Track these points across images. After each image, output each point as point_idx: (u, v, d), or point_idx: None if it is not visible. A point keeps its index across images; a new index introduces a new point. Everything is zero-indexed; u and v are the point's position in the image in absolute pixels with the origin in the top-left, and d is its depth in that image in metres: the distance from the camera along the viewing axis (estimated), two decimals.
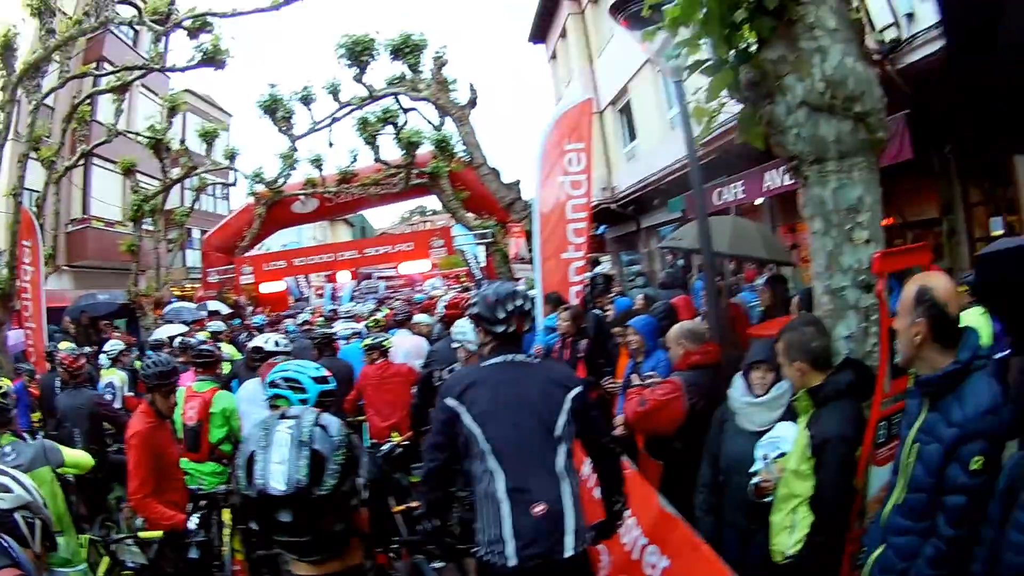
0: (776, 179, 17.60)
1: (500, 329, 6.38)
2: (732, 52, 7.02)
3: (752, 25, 6.68)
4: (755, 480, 6.35)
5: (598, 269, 24.67)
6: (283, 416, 3.23)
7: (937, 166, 16.37)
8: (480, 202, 35.82)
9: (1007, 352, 10.54)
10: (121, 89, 28.98)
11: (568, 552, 5.69)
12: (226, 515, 9.96)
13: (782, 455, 6.22)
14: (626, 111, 36.17)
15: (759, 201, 21.72)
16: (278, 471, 3.01)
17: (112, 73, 27.94)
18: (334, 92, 31.05)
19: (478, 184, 31.72)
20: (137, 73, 28.54)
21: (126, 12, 26.80)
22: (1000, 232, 15.30)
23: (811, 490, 5.72)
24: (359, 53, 28.28)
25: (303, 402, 6.96)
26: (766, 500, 6.25)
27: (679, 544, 6.76)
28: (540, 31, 47.61)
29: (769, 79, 6.73)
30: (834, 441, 5.68)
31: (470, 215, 35.36)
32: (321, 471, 3.05)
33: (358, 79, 29.13)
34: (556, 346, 13.51)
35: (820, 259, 6.75)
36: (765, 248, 15.35)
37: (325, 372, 7.91)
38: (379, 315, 21.44)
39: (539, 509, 5.74)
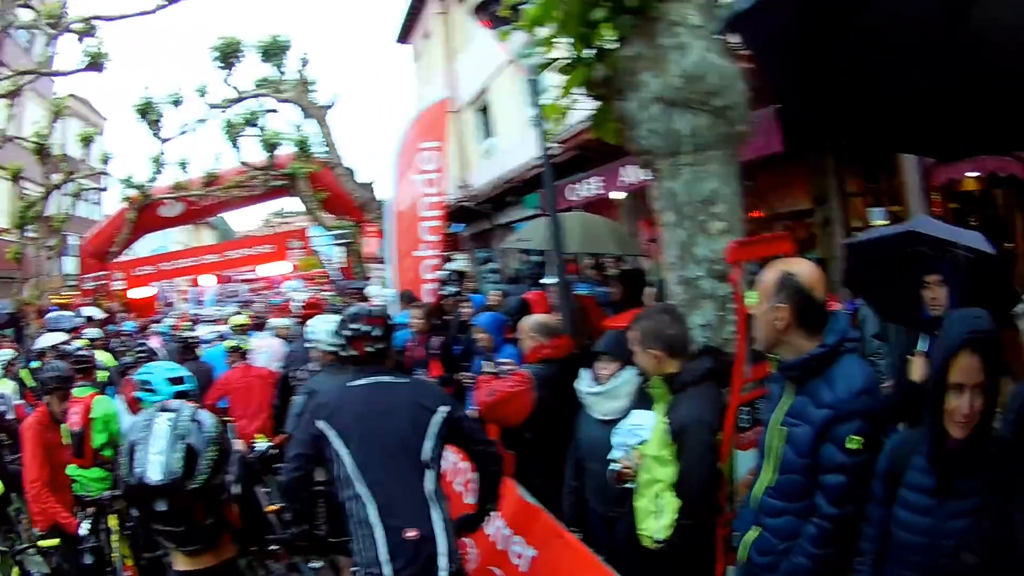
0: (633, 174, 17.59)
1: (343, 353, 6.58)
2: (589, 50, 6.98)
3: (612, 23, 6.63)
4: (614, 467, 6.28)
5: (451, 266, 24.68)
6: (163, 409, 3.24)
7: (811, 158, 16.44)
8: (338, 203, 35.48)
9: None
10: (14, 94, 28.31)
11: (443, 574, 5.65)
12: (112, 521, 9.72)
13: (642, 442, 6.15)
14: (484, 110, 36.01)
15: (618, 196, 21.54)
16: (156, 462, 3.02)
17: (9, 78, 27.42)
18: (203, 94, 30.78)
19: (336, 184, 31.77)
20: (28, 78, 28.01)
21: (25, 15, 26.37)
22: (883, 222, 15.39)
23: (674, 475, 5.68)
24: (229, 55, 28.10)
25: None
26: (628, 486, 6.16)
27: (543, 533, 6.77)
28: (406, 32, 47.25)
29: (623, 75, 6.72)
30: (693, 426, 5.65)
31: (328, 216, 35.16)
32: (194, 464, 3.06)
33: (227, 81, 28.89)
34: (409, 344, 13.35)
35: (673, 250, 6.80)
36: (616, 243, 15.39)
37: (181, 373, 7.74)
38: (240, 318, 21.10)
39: (411, 534, 5.65)
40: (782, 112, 12.13)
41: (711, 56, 6.59)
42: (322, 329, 9.40)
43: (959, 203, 14.73)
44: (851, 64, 6.54)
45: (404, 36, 47.84)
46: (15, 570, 9.21)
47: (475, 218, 38.03)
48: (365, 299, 16.27)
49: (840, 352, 4.74)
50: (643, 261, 17.71)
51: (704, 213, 6.59)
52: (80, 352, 13.03)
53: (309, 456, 6.09)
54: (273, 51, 28.60)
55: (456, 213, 34.90)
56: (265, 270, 45.68)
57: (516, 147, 28.92)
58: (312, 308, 12.74)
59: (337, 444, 5.86)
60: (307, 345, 10.43)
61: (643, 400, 6.60)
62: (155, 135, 32.92)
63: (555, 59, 7.28)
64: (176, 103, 32.09)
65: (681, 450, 5.65)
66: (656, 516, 5.75)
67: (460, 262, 29.23)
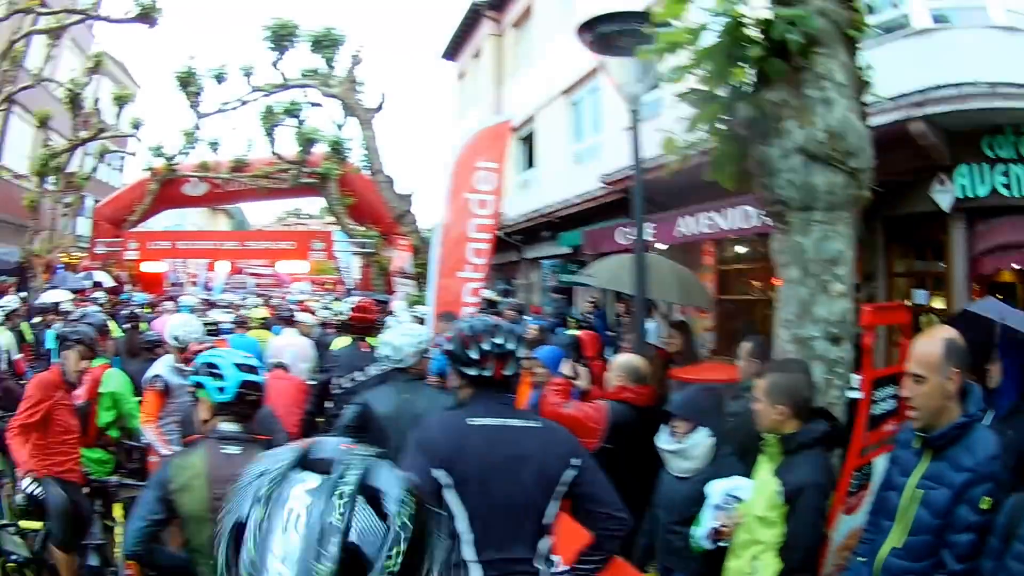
0: (691, 226, 17.67)
1: (473, 372, 5.30)
2: (725, 88, 6.98)
3: (764, 64, 6.61)
4: (713, 524, 6.16)
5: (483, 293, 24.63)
6: (305, 462, 1.96)
7: (865, 233, 16.45)
8: (365, 210, 35.93)
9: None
10: (57, 32, 28.50)
11: None
12: (118, 510, 9.45)
13: (738, 501, 6.10)
14: (528, 140, 35.77)
15: (661, 247, 21.42)
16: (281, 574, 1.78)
17: (54, 13, 27.44)
18: (248, 75, 30.87)
19: (366, 192, 32.58)
20: (76, 18, 28.08)
21: None
22: (921, 304, 15.43)
23: (777, 537, 5.62)
24: (283, 37, 28.08)
25: (220, 390, 5.59)
26: (722, 545, 6.08)
27: None
28: (454, 48, 46.79)
29: (768, 120, 6.70)
30: (809, 489, 5.60)
31: (352, 223, 35.04)
32: None
33: (275, 64, 28.92)
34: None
35: (791, 307, 6.76)
36: (679, 291, 15.25)
37: (254, 361, 6.19)
38: (262, 311, 21.03)
39: None
40: None
41: (851, 116, 6.63)
42: (392, 343, 8.51)
43: (997, 293, 14.77)
44: None
45: (451, 53, 47.50)
46: None
47: (502, 248, 37.46)
48: (389, 313, 16.07)
49: (975, 420, 5.00)
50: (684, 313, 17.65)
51: (828, 273, 6.60)
52: (99, 316, 12.99)
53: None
54: (326, 43, 28.54)
55: None
56: (283, 267, 45.42)
57: (556, 181, 29.39)
58: (363, 311, 11.92)
59: (451, 498, 4.89)
60: (383, 355, 8.83)
61: (718, 461, 6.68)
62: (193, 108, 32.80)
63: (693, 91, 7.18)
64: (219, 78, 32.00)
65: (793, 512, 5.60)
66: None
67: (490, 291, 29.20)
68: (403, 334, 8.51)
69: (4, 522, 9.26)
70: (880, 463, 6.10)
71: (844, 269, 6.65)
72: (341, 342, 12.78)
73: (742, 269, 21.53)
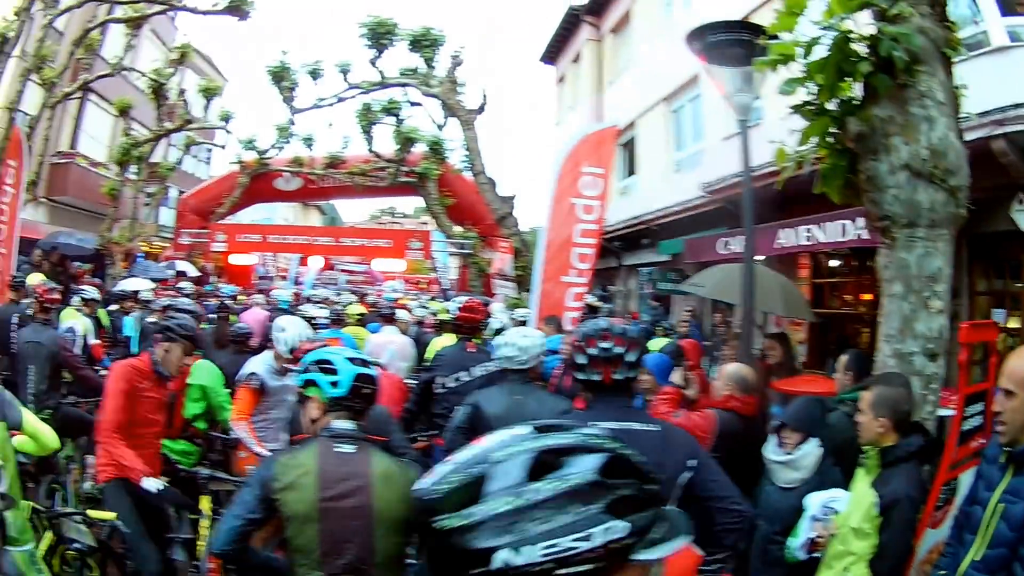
0: (791, 238, 17.61)
1: (582, 376, 5.50)
2: (835, 102, 7.15)
3: (872, 79, 6.78)
4: (809, 535, 6.39)
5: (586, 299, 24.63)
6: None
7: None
8: (464, 211, 35.87)
9: None
10: (136, 23, 28.75)
11: None
12: (205, 503, 9.33)
13: (835, 513, 6.31)
14: (629, 146, 35.41)
15: (759, 258, 21.36)
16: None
17: (132, 3, 27.68)
18: (344, 72, 30.94)
19: (466, 192, 32.74)
20: (157, 8, 28.53)
21: None
22: (999, 323, 15.49)
23: (870, 548, 5.81)
24: (381, 35, 28.14)
25: (334, 385, 5.49)
26: (815, 556, 6.32)
27: None
28: (553, 52, 46.60)
29: (877, 136, 6.87)
30: (904, 501, 5.81)
31: (450, 223, 35.18)
32: None
33: (373, 62, 29.15)
34: (557, 371, 12.52)
35: (894, 322, 6.95)
36: (784, 302, 15.48)
37: (365, 355, 6.29)
38: (358, 308, 20.80)
39: None
40: None
41: (951, 135, 6.82)
42: (514, 343, 8.42)
43: None
44: None
45: (550, 57, 47.31)
46: (48, 535, 8.25)
47: (602, 254, 37.04)
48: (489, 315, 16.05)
49: None
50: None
51: (929, 290, 6.80)
52: (189, 306, 13.25)
53: None
54: (425, 43, 28.55)
55: None
56: (379, 264, 45.91)
57: (656, 188, 29.37)
58: (471, 311, 11.81)
59: None
60: (507, 356, 8.61)
61: (823, 471, 6.91)
62: (287, 103, 33.11)
63: (805, 103, 7.34)
64: (314, 75, 32.22)
65: (887, 524, 5.81)
66: None
67: (591, 296, 29.25)
68: (526, 335, 8.51)
69: (69, 510, 9.31)
70: (966, 478, 6.24)
71: (943, 286, 6.85)
72: (442, 341, 13.16)
73: (835, 283, 21.59)
